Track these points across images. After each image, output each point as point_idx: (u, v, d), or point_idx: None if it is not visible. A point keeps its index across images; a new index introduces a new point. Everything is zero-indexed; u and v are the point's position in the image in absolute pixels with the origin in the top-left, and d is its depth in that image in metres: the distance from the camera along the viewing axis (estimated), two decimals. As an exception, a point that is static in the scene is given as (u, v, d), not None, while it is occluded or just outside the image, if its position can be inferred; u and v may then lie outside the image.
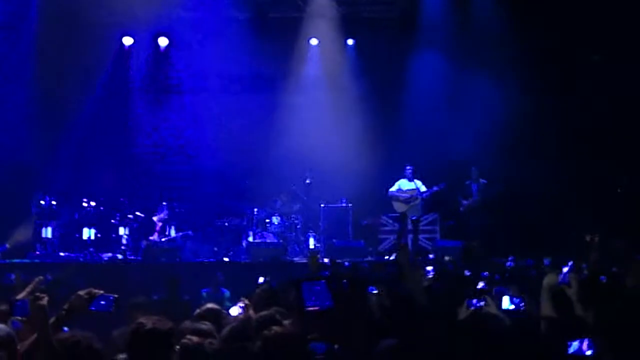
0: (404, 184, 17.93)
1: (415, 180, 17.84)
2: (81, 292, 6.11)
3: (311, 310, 5.42)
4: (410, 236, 17.64)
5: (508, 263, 12.55)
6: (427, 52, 19.19)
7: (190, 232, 17.56)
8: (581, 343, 4.53)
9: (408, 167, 17.92)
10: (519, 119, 17.63)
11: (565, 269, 10.18)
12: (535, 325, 6.09)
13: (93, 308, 6.05)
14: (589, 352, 4.55)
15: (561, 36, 17.72)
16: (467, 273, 11.12)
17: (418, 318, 6.18)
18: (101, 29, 18.95)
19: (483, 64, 17.98)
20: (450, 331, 5.80)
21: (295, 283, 7.21)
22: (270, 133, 19.64)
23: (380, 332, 5.82)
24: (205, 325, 6.30)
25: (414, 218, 17.68)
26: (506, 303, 6.56)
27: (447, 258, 14.19)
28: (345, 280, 6.32)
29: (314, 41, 20.18)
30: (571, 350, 4.54)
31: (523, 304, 6.52)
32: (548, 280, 6.40)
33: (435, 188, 17.71)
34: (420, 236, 18.01)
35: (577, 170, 17.41)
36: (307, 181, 18.49)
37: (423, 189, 17.76)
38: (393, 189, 17.98)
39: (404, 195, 17.85)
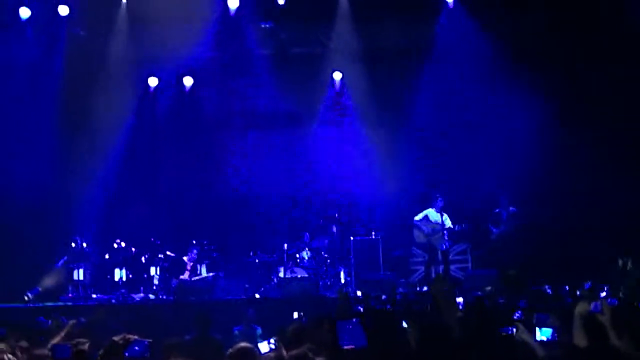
0: (431, 214, 17.53)
1: (443, 214, 17.54)
2: (116, 338, 6.14)
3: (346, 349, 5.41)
4: (441, 267, 17.48)
5: (548, 291, 12.46)
6: (452, 79, 19.03)
7: (221, 274, 17.52)
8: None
9: (439, 198, 17.52)
10: (550, 144, 17.55)
11: (603, 294, 10.11)
12: (570, 356, 6.00)
13: (128, 354, 6.06)
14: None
15: (596, 53, 17.60)
16: (500, 301, 11.05)
17: (453, 350, 6.13)
18: (126, 70, 19.19)
19: (510, 88, 17.87)
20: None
21: (327, 319, 7.19)
22: (297, 168, 19.78)
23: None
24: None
25: (443, 249, 17.47)
26: (539, 334, 6.48)
27: (488, 288, 14.06)
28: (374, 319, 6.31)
29: (337, 75, 20.25)
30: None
31: (557, 334, 6.44)
32: (580, 308, 6.31)
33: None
34: (452, 266, 17.89)
35: (611, 194, 17.17)
36: (336, 215, 18.51)
37: (449, 224, 17.35)
38: (418, 217, 17.58)
39: (427, 227, 17.51)
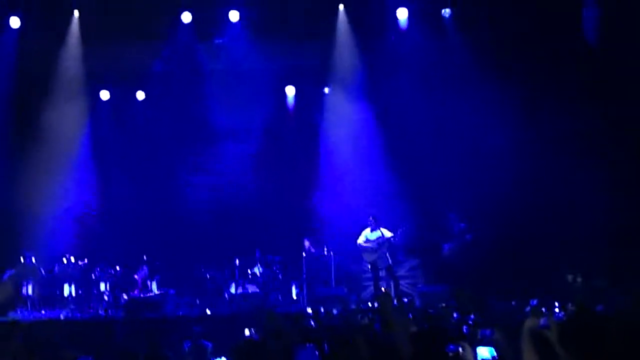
0: (369, 234, 17.28)
1: (380, 229, 17.20)
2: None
3: None
4: (391, 283, 17.37)
5: (499, 307, 12.56)
6: (401, 93, 19.01)
7: (171, 290, 17.34)
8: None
9: (370, 218, 17.32)
10: (499, 161, 17.65)
11: (556, 310, 10.21)
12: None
13: None
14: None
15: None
16: (455, 316, 11.11)
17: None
18: (78, 83, 19.06)
19: (461, 100, 17.99)
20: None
21: (281, 336, 7.18)
22: (249, 183, 19.75)
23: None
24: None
25: (385, 265, 17.26)
26: (483, 352, 6.54)
27: (443, 305, 14.11)
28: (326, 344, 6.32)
29: (290, 90, 20.29)
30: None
31: (500, 352, 6.50)
32: (528, 324, 6.36)
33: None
34: (403, 282, 17.86)
35: (560, 211, 17.31)
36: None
37: (388, 234, 17.11)
38: (360, 240, 17.35)
39: (371, 245, 17.34)
